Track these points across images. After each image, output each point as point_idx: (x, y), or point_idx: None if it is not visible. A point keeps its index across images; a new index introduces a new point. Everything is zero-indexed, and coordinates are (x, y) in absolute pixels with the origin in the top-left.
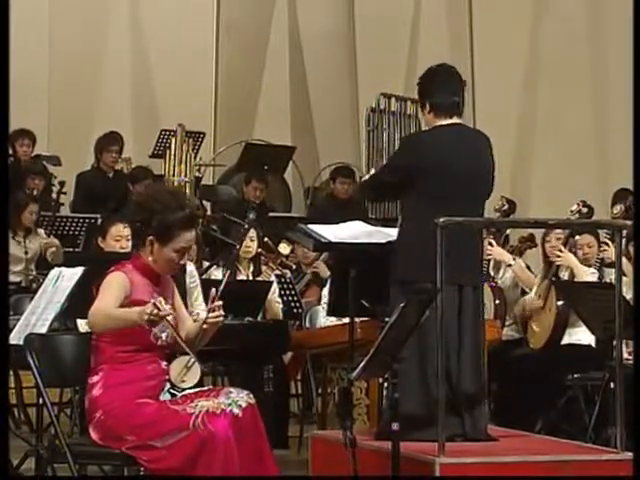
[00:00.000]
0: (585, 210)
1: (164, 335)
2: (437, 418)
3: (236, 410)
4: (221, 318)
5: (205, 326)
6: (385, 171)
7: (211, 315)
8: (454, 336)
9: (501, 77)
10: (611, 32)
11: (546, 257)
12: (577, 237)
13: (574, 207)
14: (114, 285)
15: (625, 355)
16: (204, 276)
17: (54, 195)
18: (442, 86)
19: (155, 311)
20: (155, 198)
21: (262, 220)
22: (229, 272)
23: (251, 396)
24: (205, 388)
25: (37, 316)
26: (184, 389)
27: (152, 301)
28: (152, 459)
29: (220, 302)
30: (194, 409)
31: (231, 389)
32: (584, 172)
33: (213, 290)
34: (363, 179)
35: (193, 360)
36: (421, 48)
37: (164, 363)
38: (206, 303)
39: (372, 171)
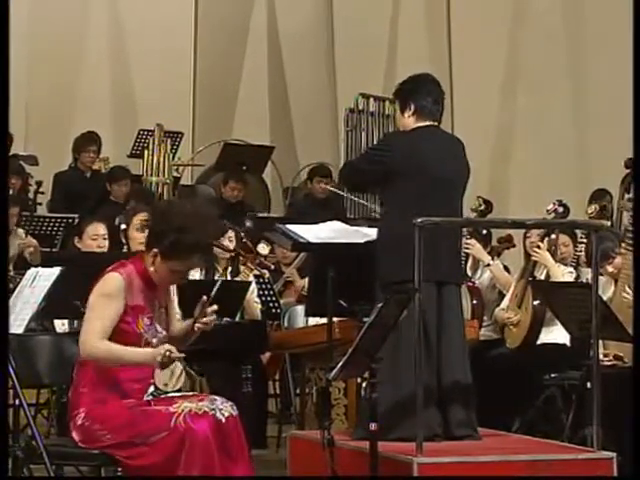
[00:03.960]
0: (561, 210)
1: (155, 340)
2: (415, 416)
3: (219, 416)
4: (213, 324)
5: (195, 328)
6: (363, 161)
7: (204, 320)
8: (433, 334)
9: (480, 79)
10: (589, 35)
11: (527, 255)
12: (553, 235)
13: (550, 207)
14: (110, 299)
15: (600, 356)
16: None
17: (31, 195)
18: (427, 91)
19: (167, 353)
20: (176, 213)
21: (239, 219)
22: (220, 281)
23: (235, 408)
24: (189, 393)
25: (14, 316)
26: (167, 392)
27: (165, 348)
28: (131, 456)
29: (215, 307)
30: (176, 408)
31: (216, 397)
32: (563, 173)
33: (204, 297)
34: (340, 169)
35: (179, 365)
36: (400, 49)
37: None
38: (184, 306)
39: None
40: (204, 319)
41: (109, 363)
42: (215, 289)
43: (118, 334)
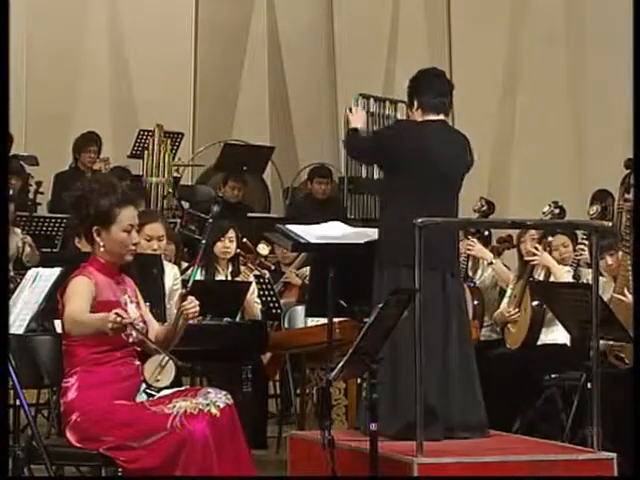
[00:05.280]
0: (557, 211)
1: (134, 332)
2: (434, 416)
3: (214, 411)
4: (197, 308)
5: (181, 320)
6: (372, 139)
7: (187, 305)
8: (440, 325)
9: (480, 79)
10: (589, 34)
11: (522, 257)
12: (550, 238)
13: (546, 208)
14: (82, 290)
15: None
16: (182, 277)
17: (31, 195)
18: (430, 86)
19: (118, 319)
20: (85, 191)
21: (239, 219)
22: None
23: (229, 397)
24: (182, 388)
25: (14, 317)
26: (160, 388)
27: (114, 311)
28: (130, 459)
29: (192, 297)
30: (172, 410)
31: (209, 389)
32: (563, 173)
33: (182, 290)
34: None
35: (167, 359)
36: (400, 49)
37: (137, 362)
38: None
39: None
40: (187, 308)
41: (78, 331)
42: (191, 281)
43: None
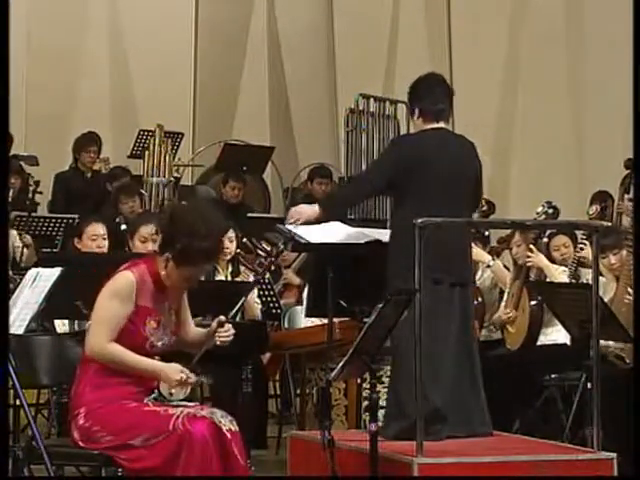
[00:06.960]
0: (551, 211)
1: (160, 344)
2: (437, 417)
3: (218, 424)
4: (231, 337)
5: (212, 342)
6: (372, 171)
7: (223, 333)
8: (445, 335)
9: (480, 79)
10: (589, 34)
11: (516, 262)
12: (545, 239)
13: (539, 208)
14: (121, 299)
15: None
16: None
17: (30, 195)
18: (429, 93)
19: (184, 379)
20: (187, 218)
21: (240, 219)
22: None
23: (234, 423)
24: (190, 404)
25: (14, 317)
26: (171, 401)
27: (181, 374)
28: (131, 458)
29: (230, 326)
30: (176, 410)
31: (215, 410)
32: (563, 174)
33: (222, 317)
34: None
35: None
36: (400, 49)
37: None
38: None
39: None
40: (222, 338)
41: (113, 365)
42: (234, 311)
43: (123, 334)
